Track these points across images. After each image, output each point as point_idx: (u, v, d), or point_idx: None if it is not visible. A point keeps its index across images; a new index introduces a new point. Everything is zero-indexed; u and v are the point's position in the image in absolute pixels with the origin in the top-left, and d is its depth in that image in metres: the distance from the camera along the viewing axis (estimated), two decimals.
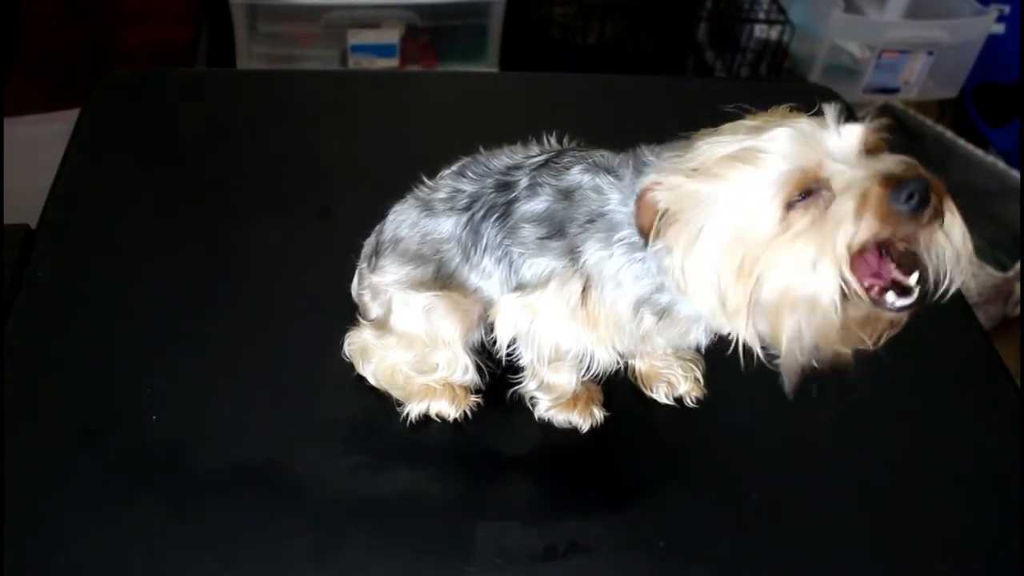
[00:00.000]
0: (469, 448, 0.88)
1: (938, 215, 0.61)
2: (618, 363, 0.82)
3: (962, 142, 2.15)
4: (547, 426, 0.88)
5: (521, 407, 0.88)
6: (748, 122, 0.66)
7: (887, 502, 0.86)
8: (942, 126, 2.20)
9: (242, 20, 1.98)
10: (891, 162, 0.61)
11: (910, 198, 0.59)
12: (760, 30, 2.20)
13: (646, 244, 0.69)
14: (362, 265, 0.92)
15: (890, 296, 0.62)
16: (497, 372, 0.89)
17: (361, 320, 0.91)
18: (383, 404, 0.89)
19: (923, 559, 0.82)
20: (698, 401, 0.92)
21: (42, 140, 1.42)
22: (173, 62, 2.20)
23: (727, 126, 0.66)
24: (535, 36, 2.20)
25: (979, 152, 2.13)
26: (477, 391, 0.89)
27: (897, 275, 0.63)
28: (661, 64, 2.29)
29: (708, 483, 0.87)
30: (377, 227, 0.90)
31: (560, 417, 0.88)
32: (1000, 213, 2.09)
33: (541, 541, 0.79)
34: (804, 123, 0.63)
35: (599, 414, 0.89)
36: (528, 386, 0.87)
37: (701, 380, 0.92)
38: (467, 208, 0.81)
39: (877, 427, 0.93)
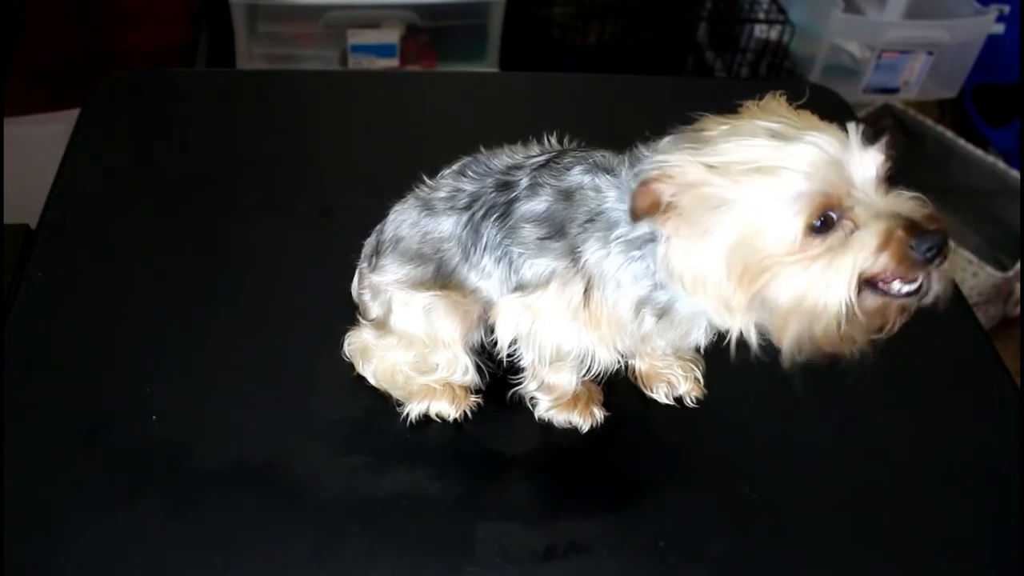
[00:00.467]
0: (469, 448, 0.88)
1: (944, 260, 0.64)
2: (619, 363, 0.82)
3: (962, 142, 2.15)
4: (547, 426, 0.88)
5: (521, 407, 0.88)
6: (764, 122, 0.65)
7: (887, 502, 0.86)
8: (942, 126, 2.20)
9: (242, 20, 1.98)
10: (914, 206, 0.64)
11: (929, 251, 0.62)
12: (760, 30, 2.20)
13: (634, 222, 0.69)
14: (362, 265, 0.92)
15: (896, 284, 0.64)
16: (497, 372, 0.89)
17: (361, 320, 0.91)
18: (383, 404, 0.89)
19: (923, 559, 0.82)
20: (698, 401, 0.91)
21: (42, 140, 1.43)
22: (173, 62, 2.20)
23: (743, 123, 0.66)
24: (535, 36, 2.20)
25: (979, 152, 2.13)
26: (477, 391, 0.89)
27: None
28: (661, 64, 2.29)
29: (708, 483, 0.87)
30: (378, 227, 0.90)
31: (560, 417, 0.88)
32: (1000, 213, 2.09)
33: (541, 541, 0.79)
34: (827, 141, 0.63)
35: (599, 414, 0.89)
36: (528, 386, 0.87)
37: (701, 380, 0.92)
38: (467, 207, 0.81)
39: (877, 427, 0.93)
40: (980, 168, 2.12)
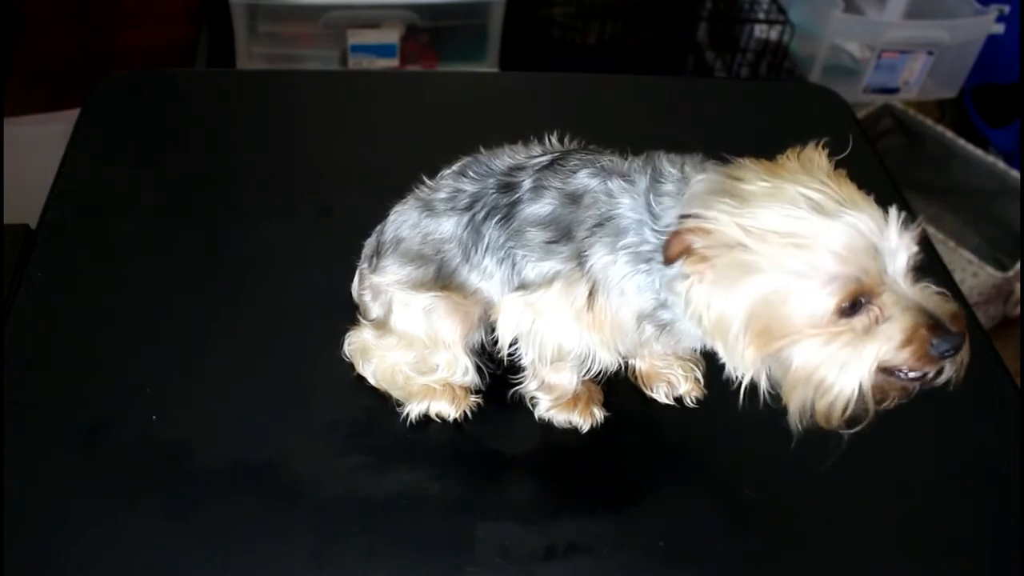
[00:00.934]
0: (469, 448, 0.88)
1: (958, 354, 0.66)
2: (619, 363, 0.82)
3: (962, 142, 2.15)
4: (547, 426, 0.88)
5: (521, 407, 0.88)
6: (805, 189, 0.64)
7: (887, 502, 0.86)
8: (942, 126, 2.20)
9: (242, 20, 1.99)
10: (939, 302, 0.66)
11: (947, 351, 0.65)
12: (760, 30, 2.20)
13: (665, 266, 0.69)
14: (363, 266, 0.92)
15: (906, 370, 0.66)
16: (497, 372, 0.89)
17: (361, 320, 0.91)
18: (383, 404, 0.89)
19: (923, 559, 0.82)
20: (698, 401, 0.91)
21: (42, 140, 1.43)
22: (173, 62, 2.21)
23: (784, 186, 0.65)
24: (535, 36, 2.20)
25: (979, 152, 2.13)
26: (477, 391, 0.89)
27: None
28: (661, 64, 2.29)
29: (708, 483, 0.87)
30: (378, 227, 0.90)
31: (560, 417, 0.88)
32: (1000, 213, 2.09)
33: (541, 541, 0.79)
34: (866, 224, 0.63)
35: (599, 414, 0.89)
36: (528, 386, 0.87)
37: (701, 380, 0.92)
38: (468, 208, 0.81)
39: (876, 427, 0.92)
40: (980, 168, 2.12)
